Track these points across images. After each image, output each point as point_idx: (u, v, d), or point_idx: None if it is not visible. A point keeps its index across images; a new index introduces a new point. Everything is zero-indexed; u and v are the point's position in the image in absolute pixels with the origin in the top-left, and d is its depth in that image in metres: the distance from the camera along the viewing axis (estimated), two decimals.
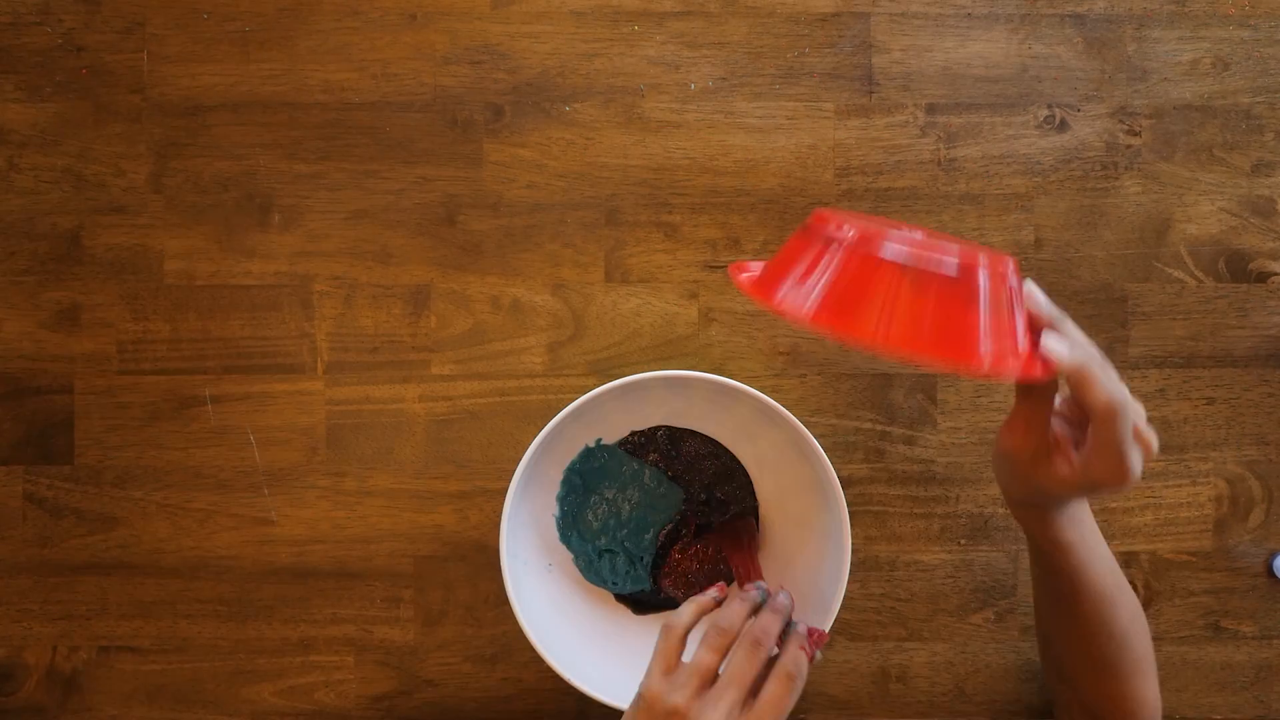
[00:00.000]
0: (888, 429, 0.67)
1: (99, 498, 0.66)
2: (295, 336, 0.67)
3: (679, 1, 0.67)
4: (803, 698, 0.66)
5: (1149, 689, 0.56)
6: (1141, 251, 0.67)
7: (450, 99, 0.67)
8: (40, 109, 0.66)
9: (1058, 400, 0.49)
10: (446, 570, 0.66)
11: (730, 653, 0.50)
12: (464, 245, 0.67)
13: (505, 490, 0.59)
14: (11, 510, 0.66)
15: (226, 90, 0.67)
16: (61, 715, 0.67)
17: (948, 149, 0.67)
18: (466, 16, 0.67)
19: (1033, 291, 0.45)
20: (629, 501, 0.65)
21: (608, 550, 0.64)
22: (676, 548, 0.64)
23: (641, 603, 0.65)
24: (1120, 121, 0.67)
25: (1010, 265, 0.43)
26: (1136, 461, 0.45)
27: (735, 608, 0.52)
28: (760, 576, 0.61)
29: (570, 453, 0.64)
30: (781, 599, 0.53)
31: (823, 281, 0.42)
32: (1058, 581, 0.54)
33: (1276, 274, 0.67)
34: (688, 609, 0.53)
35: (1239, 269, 0.67)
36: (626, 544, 0.64)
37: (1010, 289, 0.43)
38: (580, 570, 0.65)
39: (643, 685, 0.49)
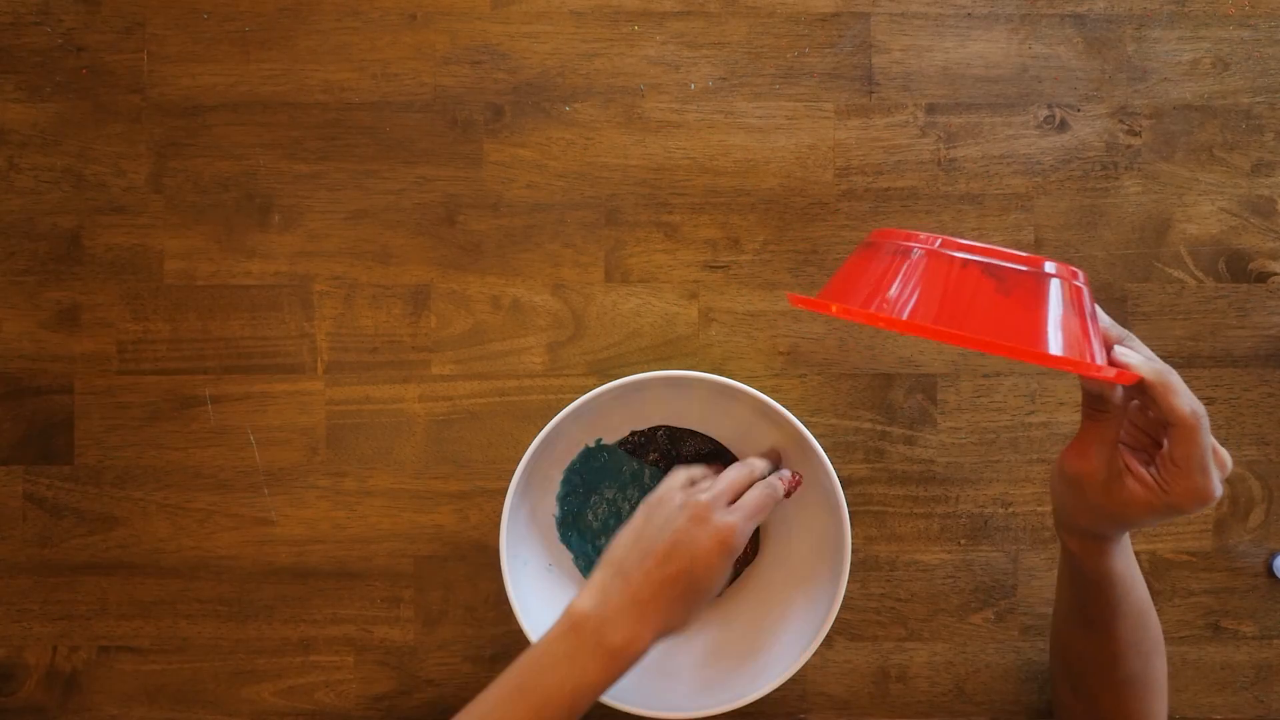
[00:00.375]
0: (888, 429, 0.67)
1: (99, 498, 0.66)
2: (295, 336, 0.67)
3: (679, 1, 0.67)
4: (803, 697, 0.66)
5: (1163, 705, 0.56)
6: (1141, 251, 0.67)
7: (450, 99, 0.67)
8: (40, 109, 0.66)
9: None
10: (446, 570, 0.66)
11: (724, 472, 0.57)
12: (464, 245, 0.67)
13: (505, 490, 0.59)
14: (11, 510, 0.66)
15: (226, 90, 0.67)
16: (61, 715, 0.67)
17: (948, 149, 0.67)
18: (466, 16, 0.67)
19: (1098, 310, 0.45)
20: (629, 501, 0.65)
21: None
22: None
23: None
24: (1120, 121, 0.67)
25: (1081, 275, 0.43)
26: (1217, 479, 0.44)
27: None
28: None
29: (570, 453, 0.64)
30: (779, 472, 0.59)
31: (910, 289, 0.42)
32: (1098, 606, 0.52)
33: (1276, 274, 0.67)
34: (697, 467, 0.59)
35: (1239, 269, 0.67)
36: None
37: (1084, 297, 0.43)
38: (580, 570, 0.65)
39: (650, 495, 0.55)
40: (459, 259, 0.67)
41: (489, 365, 0.67)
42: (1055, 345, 0.41)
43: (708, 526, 0.52)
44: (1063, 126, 0.67)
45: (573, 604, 0.52)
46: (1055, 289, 0.42)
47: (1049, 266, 0.42)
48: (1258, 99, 0.67)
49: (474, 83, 0.67)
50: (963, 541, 0.67)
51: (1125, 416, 0.46)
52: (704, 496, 0.54)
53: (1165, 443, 0.45)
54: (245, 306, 0.67)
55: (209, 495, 0.66)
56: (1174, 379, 0.44)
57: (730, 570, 0.54)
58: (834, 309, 0.43)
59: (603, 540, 0.65)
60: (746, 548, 0.64)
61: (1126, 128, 0.67)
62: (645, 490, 0.65)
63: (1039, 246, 0.67)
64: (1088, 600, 0.53)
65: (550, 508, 0.64)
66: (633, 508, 0.64)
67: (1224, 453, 0.46)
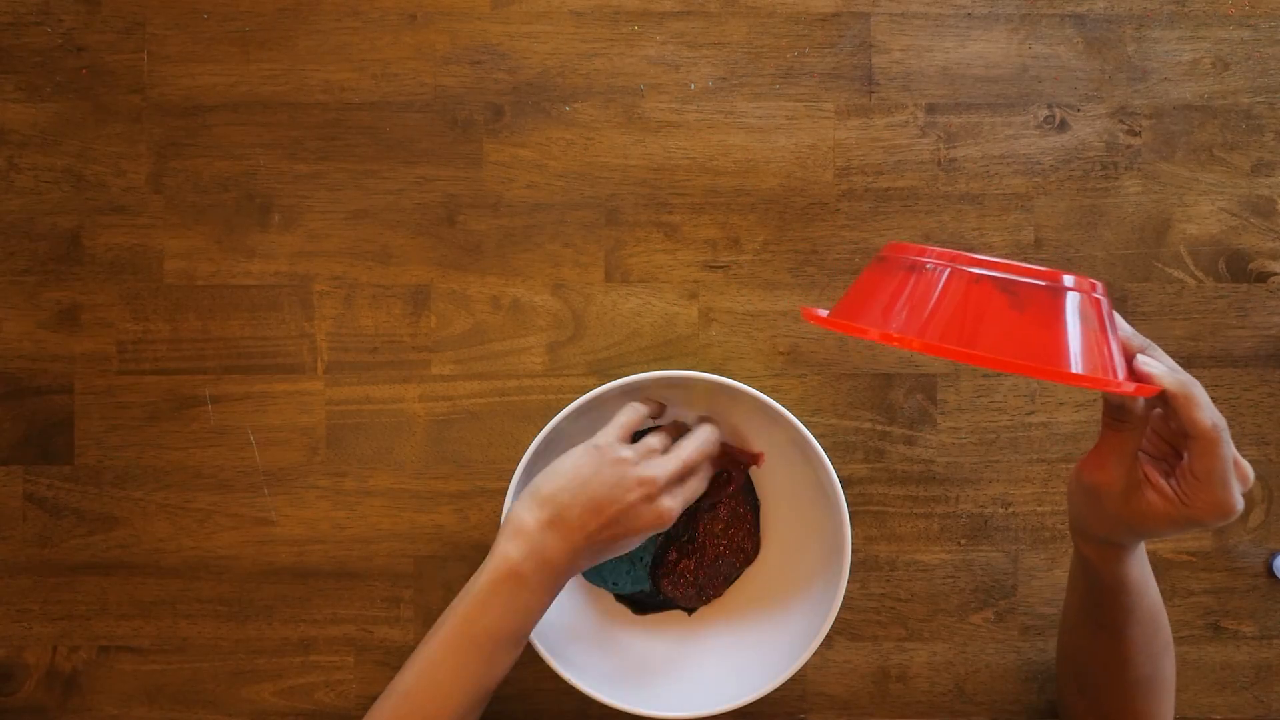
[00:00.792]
0: (888, 429, 0.67)
1: (99, 498, 0.66)
2: (295, 336, 0.67)
3: (679, 1, 0.67)
4: (803, 697, 0.66)
5: (1170, 706, 0.56)
6: (1141, 251, 0.67)
7: (450, 99, 0.67)
8: (40, 109, 0.66)
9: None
10: (446, 570, 0.66)
11: (678, 442, 0.59)
12: (464, 245, 0.67)
13: (505, 490, 0.59)
14: (11, 510, 0.66)
15: (226, 90, 0.67)
16: (61, 715, 0.67)
17: (948, 149, 0.67)
18: (466, 16, 0.67)
19: (1118, 319, 0.45)
20: None
21: None
22: (674, 548, 0.64)
23: (641, 603, 0.65)
24: (1120, 121, 0.67)
25: (1100, 287, 0.43)
26: (1238, 493, 0.44)
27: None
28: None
29: None
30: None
31: (922, 307, 0.42)
32: (1111, 611, 0.52)
33: (1276, 274, 0.67)
34: (654, 435, 0.60)
35: (1239, 269, 0.67)
36: None
37: (1103, 308, 0.43)
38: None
39: (598, 438, 0.57)
40: (459, 259, 0.67)
41: (489, 365, 0.67)
42: (1074, 362, 0.41)
43: (654, 506, 0.55)
44: (1063, 126, 0.67)
45: (506, 550, 0.53)
46: (1073, 303, 0.42)
47: (1067, 280, 0.42)
48: (1258, 99, 0.67)
49: (474, 83, 0.67)
50: (963, 541, 0.67)
51: (1146, 427, 0.46)
52: (658, 473, 0.55)
53: (1185, 455, 0.45)
54: (245, 306, 0.67)
55: (209, 495, 0.66)
56: (1197, 390, 0.43)
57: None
58: (852, 329, 0.43)
59: None
60: (747, 547, 0.64)
61: (1126, 128, 0.67)
62: None
63: (1039, 246, 0.67)
64: (1101, 605, 0.53)
65: None
66: None
67: (1245, 465, 0.45)
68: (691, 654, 0.64)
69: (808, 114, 0.67)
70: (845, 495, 0.58)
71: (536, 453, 0.59)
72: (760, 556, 0.65)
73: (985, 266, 0.42)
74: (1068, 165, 0.67)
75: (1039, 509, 0.67)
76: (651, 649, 0.64)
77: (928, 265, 0.43)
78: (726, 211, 0.67)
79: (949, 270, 0.42)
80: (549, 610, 0.61)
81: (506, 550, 0.53)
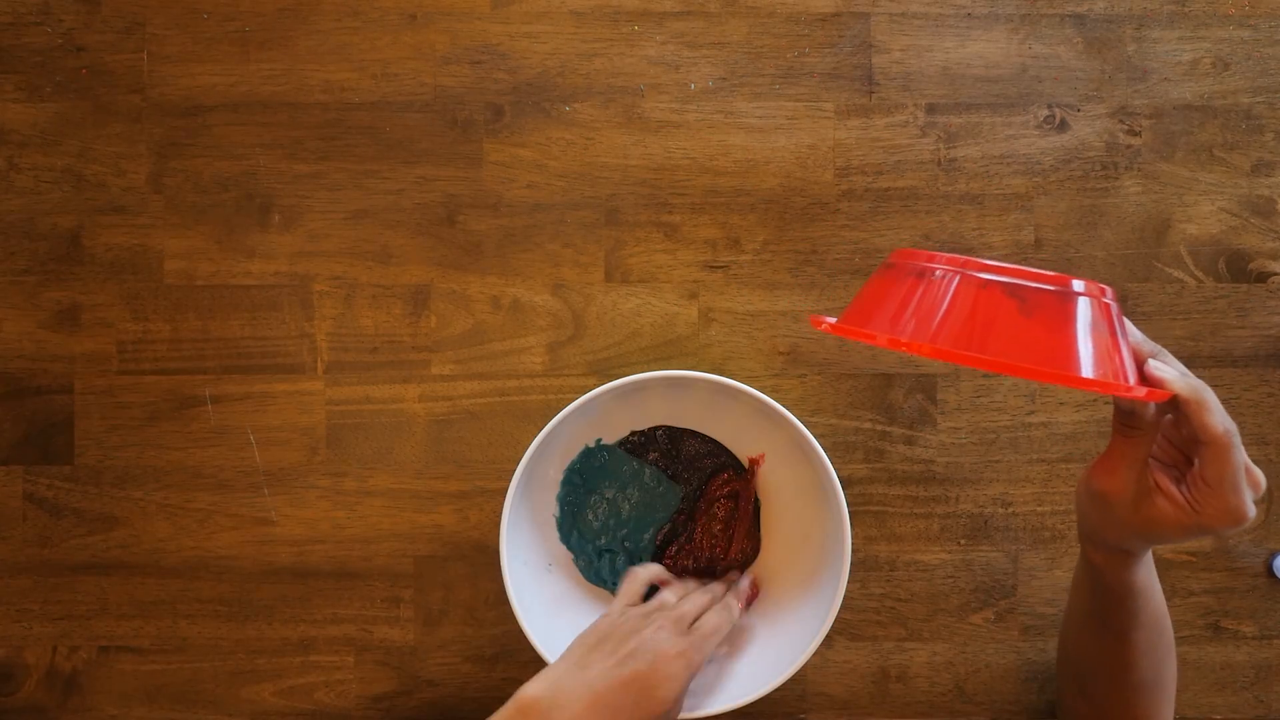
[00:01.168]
0: (888, 429, 0.67)
1: (99, 498, 0.66)
2: (295, 336, 0.67)
3: (679, 1, 0.67)
4: (803, 697, 0.66)
5: (1171, 709, 0.56)
6: (1141, 251, 0.67)
7: (450, 99, 0.67)
8: (40, 109, 0.66)
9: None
10: (446, 570, 0.66)
11: (688, 595, 0.59)
12: (464, 245, 0.67)
13: (505, 490, 0.59)
14: (11, 510, 0.66)
15: (226, 90, 0.67)
16: (61, 715, 0.67)
17: (948, 149, 0.67)
18: (466, 16, 0.67)
19: (1128, 324, 0.45)
20: (629, 501, 0.65)
21: (608, 550, 0.64)
22: (672, 547, 0.64)
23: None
24: (1120, 121, 0.67)
25: (1110, 292, 0.43)
26: (1250, 500, 0.44)
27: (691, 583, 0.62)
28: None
29: (570, 453, 0.64)
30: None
31: (931, 313, 0.42)
32: (1117, 615, 0.52)
33: (1276, 274, 0.67)
34: (652, 567, 0.62)
35: (1239, 269, 0.67)
36: (626, 544, 0.64)
37: (1113, 313, 0.43)
38: (580, 570, 0.65)
39: (613, 605, 0.58)
40: (459, 259, 0.67)
41: (489, 365, 0.67)
42: (1084, 366, 0.40)
43: (673, 638, 0.54)
44: (1063, 126, 0.67)
45: (523, 689, 0.51)
46: (1083, 308, 0.42)
47: (1077, 285, 0.42)
48: (1258, 99, 0.67)
49: (474, 83, 0.67)
50: (963, 541, 0.67)
51: (1157, 433, 0.46)
52: (671, 613, 0.56)
53: (1196, 461, 0.44)
54: (245, 306, 0.67)
55: (209, 495, 0.66)
56: (1208, 395, 0.43)
57: (686, 692, 0.54)
58: (861, 335, 0.43)
59: (603, 540, 0.65)
60: (746, 546, 0.64)
61: (1126, 128, 0.67)
62: (645, 490, 0.65)
63: (1039, 247, 0.67)
64: (1106, 609, 0.52)
65: (550, 508, 0.64)
66: (633, 507, 0.65)
67: (1258, 472, 0.45)
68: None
69: (808, 114, 0.67)
70: (845, 495, 0.58)
71: (536, 453, 0.59)
72: (760, 556, 0.65)
73: (994, 272, 0.42)
74: (1068, 165, 0.67)
75: (1039, 509, 0.67)
76: None
77: (936, 272, 0.43)
78: (726, 211, 0.67)
79: (958, 276, 0.42)
80: (547, 609, 0.61)
81: (520, 692, 0.51)
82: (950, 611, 0.67)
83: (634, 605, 0.58)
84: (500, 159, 0.67)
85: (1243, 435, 0.66)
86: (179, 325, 0.67)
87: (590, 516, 0.65)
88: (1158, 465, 0.47)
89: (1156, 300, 0.67)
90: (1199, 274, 0.67)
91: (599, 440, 0.64)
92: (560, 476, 0.64)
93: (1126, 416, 0.45)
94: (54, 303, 0.66)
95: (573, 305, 0.67)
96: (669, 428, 0.65)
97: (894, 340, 0.42)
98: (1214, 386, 0.67)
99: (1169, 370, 0.44)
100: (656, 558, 0.64)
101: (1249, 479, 0.44)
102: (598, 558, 0.64)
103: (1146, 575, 0.51)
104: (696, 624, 0.56)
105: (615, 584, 0.64)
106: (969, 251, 0.66)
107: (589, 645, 0.54)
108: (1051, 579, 0.67)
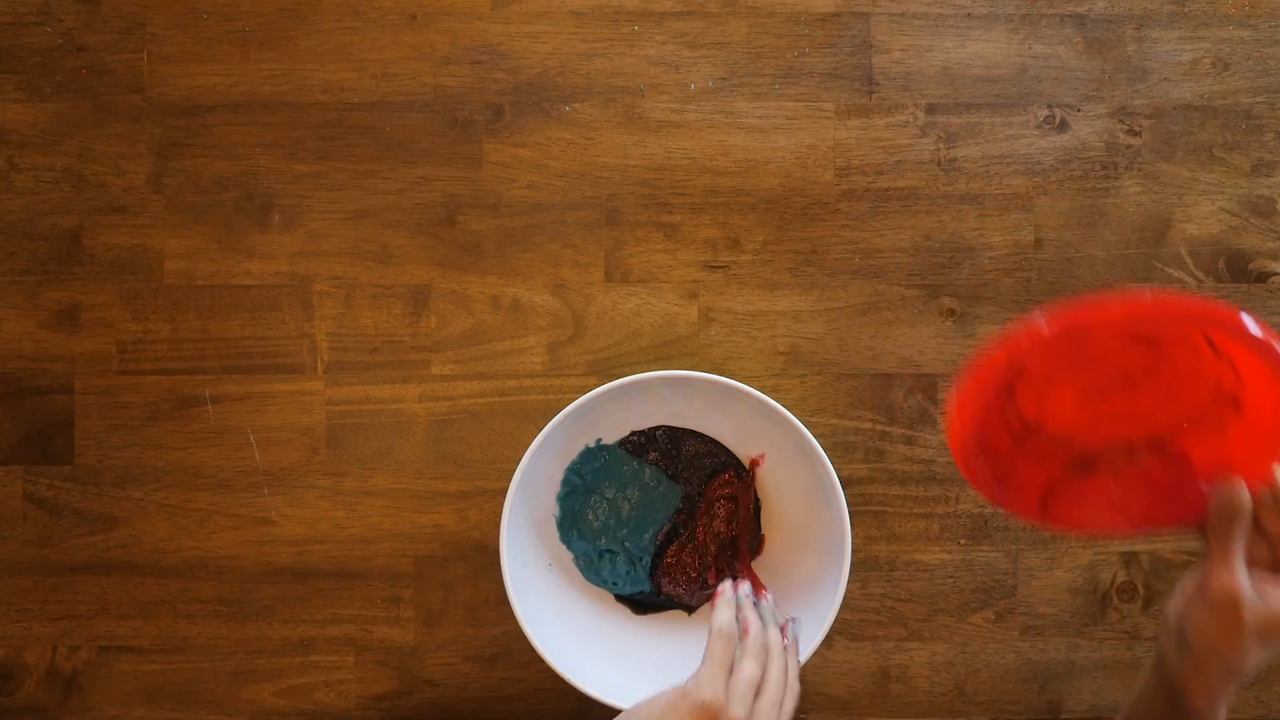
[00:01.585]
0: (888, 429, 0.67)
1: (99, 498, 0.66)
2: (295, 336, 0.67)
3: (679, 1, 0.67)
4: (803, 697, 0.66)
5: None
6: (1141, 251, 0.67)
7: (450, 99, 0.67)
8: (40, 109, 0.66)
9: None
10: (446, 570, 0.66)
11: (765, 666, 0.53)
12: (464, 245, 0.67)
13: (505, 490, 0.59)
14: (11, 510, 0.66)
15: (226, 90, 0.67)
16: (61, 715, 0.67)
17: (948, 149, 0.67)
18: (466, 16, 0.67)
19: None
20: (629, 501, 0.65)
21: (608, 550, 0.64)
22: (672, 547, 0.64)
23: (641, 603, 0.65)
24: (1120, 121, 0.67)
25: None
26: None
27: (747, 611, 0.57)
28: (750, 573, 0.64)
29: (570, 453, 0.64)
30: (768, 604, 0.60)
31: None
32: None
33: (1276, 274, 0.67)
34: (728, 611, 0.56)
35: (1239, 269, 0.67)
36: (627, 544, 0.64)
37: None
38: (580, 570, 0.65)
39: (705, 691, 0.50)
40: (459, 259, 0.67)
41: (489, 365, 0.67)
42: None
43: None
44: (1063, 126, 0.67)
45: None
46: None
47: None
48: (1258, 99, 0.67)
49: (474, 83, 0.67)
50: (963, 541, 0.67)
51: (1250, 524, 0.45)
52: (767, 705, 0.51)
53: None
54: (245, 306, 0.67)
55: (209, 495, 0.66)
56: None
57: None
58: None
59: (603, 540, 0.65)
60: (750, 545, 0.64)
61: (1126, 128, 0.67)
62: (645, 490, 0.65)
63: (1039, 247, 0.67)
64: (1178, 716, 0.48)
65: (550, 508, 0.64)
66: (633, 507, 0.65)
67: None
68: (691, 654, 0.63)
69: (808, 114, 0.67)
70: (845, 495, 0.58)
71: (536, 453, 0.59)
72: (760, 557, 0.65)
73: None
74: (1068, 165, 0.67)
75: None
76: (651, 649, 0.64)
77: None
78: (726, 211, 0.67)
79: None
80: (547, 609, 0.61)
81: None
82: (950, 611, 0.67)
83: (724, 681, 0.51)
84: (500, 159, 0.67)
85: None
86: (179, 325, 0.67)
87: (590, 516, 0.65)
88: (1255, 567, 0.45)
89: None
90: (1199, 274, 0.67)
91: (599, 440, 0.64)
92: (560, 476, 0.64)
93: (1226, 509, 0.44)
94: (54, 303, 0.66)
95: (573, 305, 0.67)
96: (669, 428, 0.65)
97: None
98: None
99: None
100: (656, 558, 0.64)
101: None
102: (598, 558, 0.64)
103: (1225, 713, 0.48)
104: (781, 708, 0.53)
105: (615, 584, 0.64)
106: (969, 251, 0.67)
107: None
108: (1051, 579, 0.67)
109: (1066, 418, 0.46)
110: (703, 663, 0.52)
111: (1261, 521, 0.45)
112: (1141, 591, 0.67)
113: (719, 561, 0.64)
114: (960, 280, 0.67)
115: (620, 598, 0.65)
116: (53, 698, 0.66)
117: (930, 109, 0.67)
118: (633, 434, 0.65)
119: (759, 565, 0.65)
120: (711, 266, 0.67)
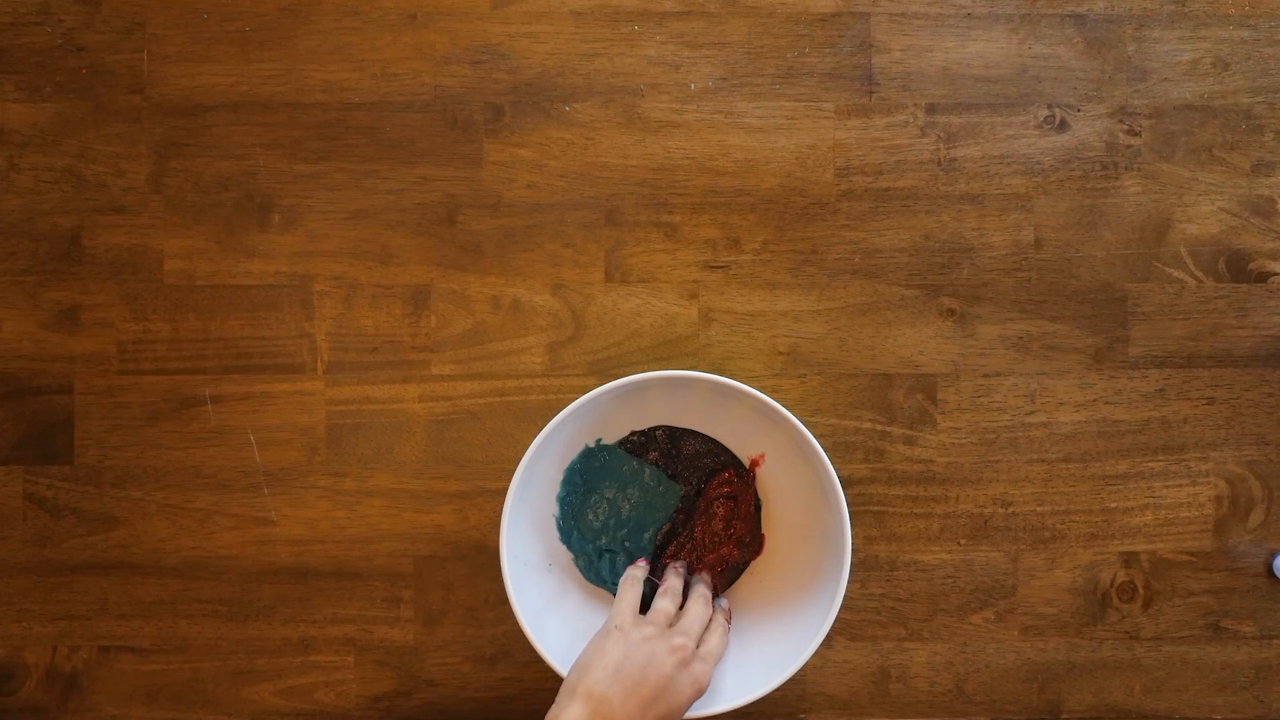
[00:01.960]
0: (888, 429, 0.67)
1: (99, 498, 0.66)
2: (295, 336, 0.67)
3: (679, 1, 0.67)
4: (803, 697, 0.66)
5: None
6: (1141, 251, 0.67)
7: (450, 99, 0.67)
8: (40, 109, 0.66)
9: None
10: (446, 570, 0.66)
11: (686, 606, 0.60)
12: (464, 245, 0.67)
13: (505, 490, 0.59)
14: (11, 510, 0.66)
15: (226, 90, 0.67)
16: (61, 715, 0.67)
17: (948, 149, 0.67)
18: (466, 16, 0.67)
19: None
20: (629, 501, 0.65)
21: (608, 550, 0.64)
22: (671, 546, 0.64)
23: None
24: (1120, 121, 0.67)
25: None
26: None
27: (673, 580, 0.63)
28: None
29: (570, 453, 0.64)
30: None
31: None
32: None
33: (1276, 274, 0.67)
34: (644, 567, 0.63)
35: (1239, 269, 0.67)
36: (627, 543, 0.64)
37: None
38: (580, 570, 0.65)
39: (614, 619, 0.58)
40: (459, 259, 0.67)
41: (489, 365, 0.67)
42: None
43: (690, 673, 0.56)
44: (1063, 126, 0.67)
45: None
46: None
47: None
48: (1258, 99, 0.67)
49: (474, 83, 0.67)
50: (963, 541, 0.67)
51: None
52: (685, 641, 0.56)
53: None
54: (245, 306, 0.67)
55: (209, 495, 0.66)
56: None
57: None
58: None
59: (603, 540, 0.65)
60: (749, 545, 0.64)
61: (1126, 128, 0.67)
62: (645, 490, 0.65)
63: (1039, 247, 0.67)
64: None
65: (550, 508, 0.64)
66: (633, 507, 0.65)
67: None
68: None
69: (808, 114, 0.67)
70: (845, 495, 0.58)
71: (536, 453, 0.59)
72: (760, 556, 0.65)
73: None
74: (1068, 165, 0.67)
75: (1039, 509, 0.67)
76: None
77: None
78: (726, 211, 0.67)
79: None
80: (547, 609, 0.61)
81: None
82: (950, 611, 0.67)
83: (640, 620, 0.58)
84: (500, 159, 0.67)
85: (1243, 435, 0.67)
86: (179, 325, 0.67)
87: (590, 516, 0.65)
88: None
89: (1156, 300, 0.67)
90: (1199, 274, 0.67)
91: (599, 440, 0.64)
92: (560, 476, 0.64)
93: None
94: (54, 303, 0.66)
95: (573, 305, 0.67)
96: (669, 428, 0.65)
97: None
98: (1214, 386, 0.67)
99: None
100: (656, 557, 0.64)
101: None
102: (598, 558, 0.64)
103: None
104: (703, 649, 0.58)
105: (615, 584, 0.64)
106: (969, 251, 0.67)
107: (608, 679, 0.54)
108: (1051, 579, 0.67)
109: None
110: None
111: None
112: (1141, 591, 0.67)
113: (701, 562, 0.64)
114: (960, 280, 0.67)
115: None
116: (53, 698, 0.66)
117: (930, 109, 0.67)
118: (633, 434, 0.65)
119: (759, 565, 0.65)
120: (711, 266, 0.67)
